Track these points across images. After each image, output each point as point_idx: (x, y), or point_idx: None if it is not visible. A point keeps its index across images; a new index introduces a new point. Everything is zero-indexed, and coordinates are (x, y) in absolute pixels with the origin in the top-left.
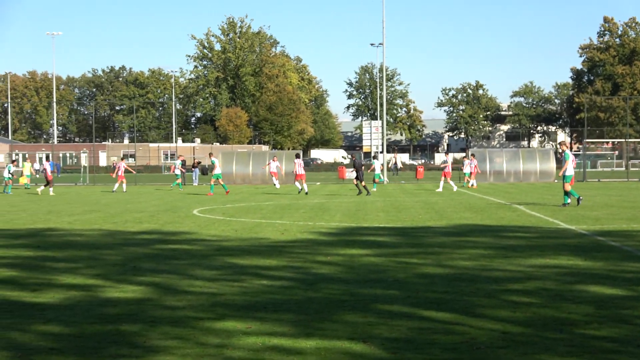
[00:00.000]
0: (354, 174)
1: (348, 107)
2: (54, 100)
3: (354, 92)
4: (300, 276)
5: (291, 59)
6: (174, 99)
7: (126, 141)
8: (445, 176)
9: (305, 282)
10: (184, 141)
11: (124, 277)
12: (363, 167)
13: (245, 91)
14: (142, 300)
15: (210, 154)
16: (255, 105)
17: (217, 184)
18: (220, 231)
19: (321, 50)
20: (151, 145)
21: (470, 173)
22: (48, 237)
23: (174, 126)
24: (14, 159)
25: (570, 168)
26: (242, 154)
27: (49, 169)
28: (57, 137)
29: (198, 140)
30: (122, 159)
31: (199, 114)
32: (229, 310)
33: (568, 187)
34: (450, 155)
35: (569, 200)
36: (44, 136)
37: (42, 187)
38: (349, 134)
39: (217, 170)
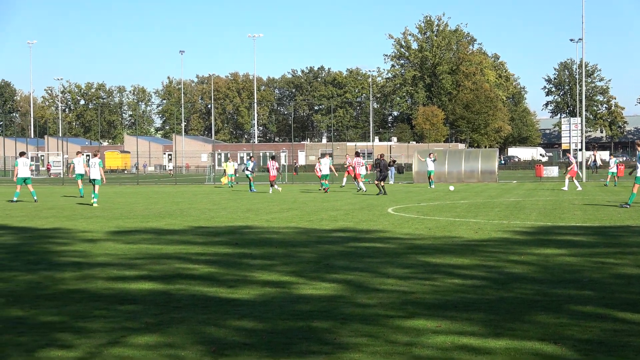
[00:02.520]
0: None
1: (546, 104)
2: (255, 100)
3: (553, 89)
4: (492, 275)
5: (488, 56)
6: (371, 98)
7: (324, 140)
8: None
9: (498, 282)
10: (380, 140)
11: (318, 274)
12: (388, 169)
13: (442, 89)
14: (334, 298)
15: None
16: (451, 103)
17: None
18: (414, 229)
19: (519, 47)
20: (348, 144)
21: None
22: (246, 235)
23: (371, 125)
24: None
25: None
26: (438, 153)
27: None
28: (258, 136)
29: (395, 139)
30: (272, 158)
31: (395, 113)
32: (419, 309)
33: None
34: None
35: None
36: (245, 136)
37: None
38: (547, 131)
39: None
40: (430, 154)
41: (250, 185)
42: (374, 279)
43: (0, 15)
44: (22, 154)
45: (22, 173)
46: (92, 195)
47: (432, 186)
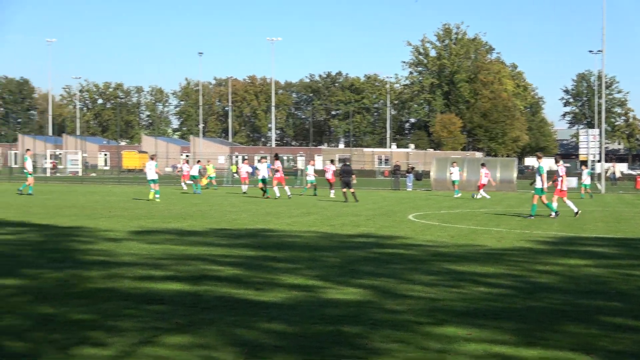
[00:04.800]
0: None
1: (564, 115)
2: (273, 104)
3: (571, 100)
4: (519, 284)
5: (506, 66)
6: (388, 105)
7: (341, 145)
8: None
9: (525, 291)
10: (398, 146)
11: (344, 279)
12: (354, 176)
13: (459, 97)
14: (363, 303)
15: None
16: (469, 111)
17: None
18: (436, 237)
19: (537, 57)
20: (365, 150)
21: None
22: (268, 238)
23: (388, 131)
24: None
25: None
26: (457, 161)
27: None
28: (275, 140)
29: (412, 145)
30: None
31: (413, 120)
32: (448, 316)
33: None
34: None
35: None
36: (262, 139)
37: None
38: (565, 141)
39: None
40: (453, 163)
41: (265, 191)
42: (401, 285)
43: (10, 12)
44: (27, 150)
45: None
46: (154, 193)
47: (458, 195)
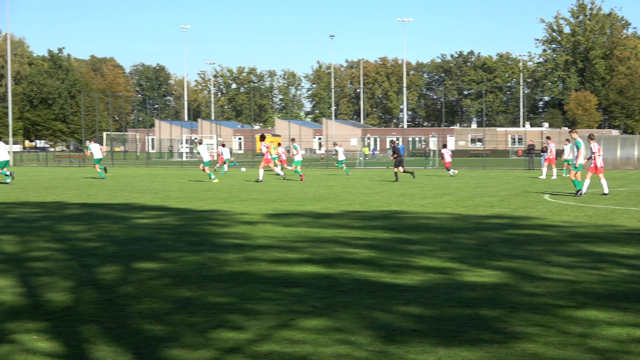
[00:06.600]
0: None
1: None
2: (404, 85)
3: None
4: None
5: None
6: (521, 83)
7: (474, 125)
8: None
9: None
10: (531, 125)
11: (480, 261)
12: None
13: (594, 74)
14: (500, 285)
15: (293, 140)
16: (605, 88)
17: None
18: (573, 217)
19: None
20: (498, 129)
21: None
22: (402, 220)
23: (521, 110)
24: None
25: None
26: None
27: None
28: (407, 121)
29: (546, 124)
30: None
31: (547, 98)
32: (588, 299)
33: None
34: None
35: None
36: (394, 120)
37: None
38: None
39: (205, 158)
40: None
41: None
42: (538, 267)
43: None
44: (94, 138)
45: (98, 154)
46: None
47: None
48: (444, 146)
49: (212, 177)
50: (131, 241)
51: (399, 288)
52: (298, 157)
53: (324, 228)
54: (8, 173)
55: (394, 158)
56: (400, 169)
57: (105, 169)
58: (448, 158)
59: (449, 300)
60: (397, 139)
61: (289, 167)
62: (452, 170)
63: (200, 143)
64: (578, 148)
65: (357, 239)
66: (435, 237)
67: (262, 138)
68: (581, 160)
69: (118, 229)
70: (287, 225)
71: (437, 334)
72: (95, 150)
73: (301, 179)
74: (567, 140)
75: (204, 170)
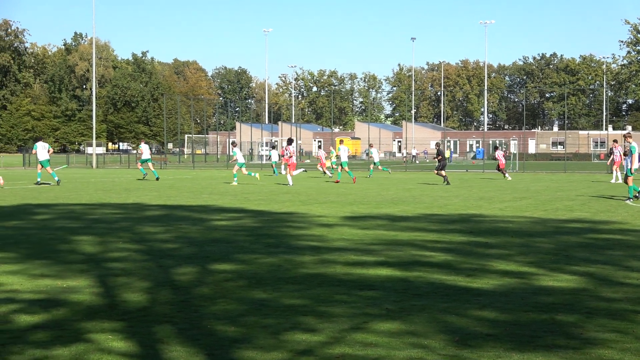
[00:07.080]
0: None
1: None
2: (485, 88)
3: None
4: None
5: None
6: (605, 86)
7: (555, 128)
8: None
9: None
10: (614, 128)
11: (557, 265)
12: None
13: None
14: (577, 290)
15: (234, 143)
16: None
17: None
18: None
19: None
20: (580, 132)
21: None
22: (480, 223)
23: (604, 113)
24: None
25: None
26: None
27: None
28: (487, 124)
29: (629, 127)
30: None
31: (630, 101)
32: None
33: None
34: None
35: None
36: (474, 123)
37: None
38: None
39: (240, 159)
40: None
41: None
42: (617, 272)
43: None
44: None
45: (146, 155)
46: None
47: None
48: (496, 148)
49: (235, 179)
50: (208, 243)
51: (474, 292)
52: (344, 158)
53: (400, 231)
54: (57, 178)
55: (438, 160)
56: (443, 172)
57: (154, 174)
58: (502, 160)
59: (525, 305)
60: (441, 142)
61: (336, 168)
62: (507, 174)
63: (235, 145)
64: (632, 153)
65: (433, 242)
66: (513, 241)
67: (290, 142)
68: (636, 165)
69: (196, 230)
70: (363, 227)
71: (511, 338)
72: (145, 150)
73: (353, 181)
74: (615, 142)
75: (239, 171)
